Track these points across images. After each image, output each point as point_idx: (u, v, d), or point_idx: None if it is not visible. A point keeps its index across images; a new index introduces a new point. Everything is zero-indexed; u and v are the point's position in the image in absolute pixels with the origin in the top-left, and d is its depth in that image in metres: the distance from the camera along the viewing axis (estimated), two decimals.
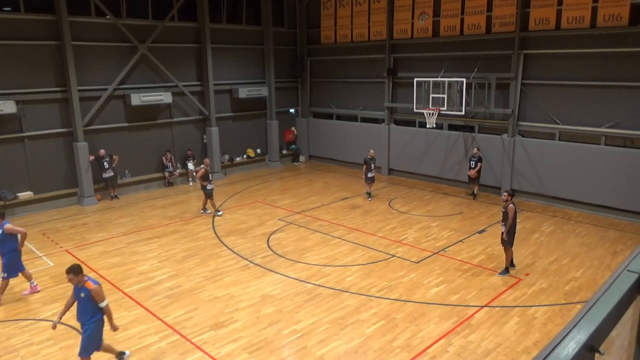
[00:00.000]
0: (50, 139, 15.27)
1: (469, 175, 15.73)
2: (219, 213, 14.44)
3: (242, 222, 13.71)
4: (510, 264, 10.22)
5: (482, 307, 8.75)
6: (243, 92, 19.42)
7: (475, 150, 15.64)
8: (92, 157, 15.57)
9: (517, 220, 13.45)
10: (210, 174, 14.45)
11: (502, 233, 9.87)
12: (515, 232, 9.91)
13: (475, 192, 15.90)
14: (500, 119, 15.84)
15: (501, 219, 10.03)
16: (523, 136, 15.45)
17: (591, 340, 1.50)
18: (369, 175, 15.60)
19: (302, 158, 22.36)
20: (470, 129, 16.76)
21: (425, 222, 13.59)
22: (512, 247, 10.01)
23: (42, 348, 7.61)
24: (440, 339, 7.75)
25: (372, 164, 15.55)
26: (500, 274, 10.02)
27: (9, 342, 7.79)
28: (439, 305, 8.83)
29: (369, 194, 15.96)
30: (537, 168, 15.13)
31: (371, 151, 15.89)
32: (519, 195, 15.69)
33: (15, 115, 14.22)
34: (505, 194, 9.91)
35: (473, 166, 15.46)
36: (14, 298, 9.33)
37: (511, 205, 9.71)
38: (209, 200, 14.51)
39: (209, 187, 14.33)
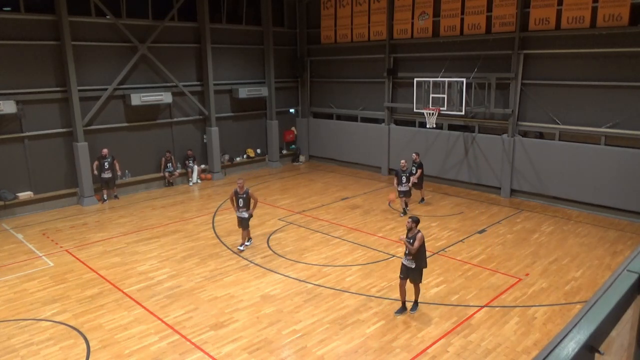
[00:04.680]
0: (50, 139, 15.26)
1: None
2: (246, 244, 11.73)
3: None
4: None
5: (482, 307, 8.75)
6: (243, 92, 19.42)
7: (415, 155, 14.73)
8: (96, 163, 15.55)
9: (517, 220, 13.61)
10: (240, 199, 11.29)
11: (407, 266, 8.37)
12: (425, 267, 8.48)
13: (423, 198, 15.20)
14: (500, 119, 15.84)
15: (407, 251, 8.34)
16: (523, 136, 15.45)
17: (591, 340, 1.50)
18: (401, 188, 13.88)
19: (302, 158, 22.36)
20: (471, 129, 16.76)
21: (425, 222, 13.57)
22: (421, 282, 8.59)
23: (42, 348, 7.61)
24: (440, 339, 7.75)
25: (404, 177, 13.83)
26: (412, 310, 8.58)
27: (9, 342, 7.79)
28: (439, 305, 8.83)
29: (404, 210, 14.18)
30: (537, 168, 15.13)
31: (402, 162, 14.14)
32: (519, 195, 15.71)
33: (15, 115, 14.21)
34: (410, 220, 8.42)
35: (414, 172, 14.31)
36: (14, 298, 9.33)
37: (420, 234, 8.27)
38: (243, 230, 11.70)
39: (240, 214, 11.42)
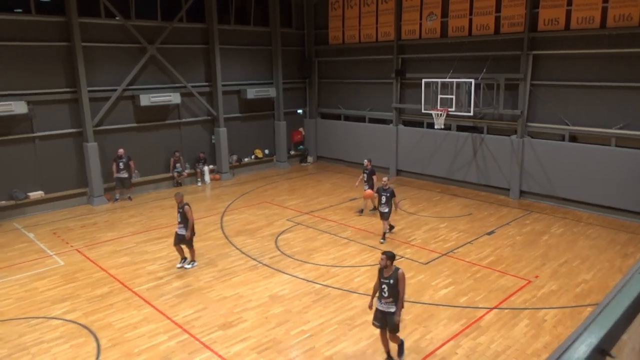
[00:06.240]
0: (60, 139, 15.40)
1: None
2: (186, 266, 10.64)
3: (251, 223, 13.75)
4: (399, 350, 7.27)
5: (491, 309, 8.71)
6: (251, 93, 19.48)
7: (366, 162, 14.08)
8: (114, 164, 15.83)
9: (526, 222, 13.52)
10: (178, 214, 10.41)
11: (383, 311, 6.89)
12: (402, 308, 6.96)
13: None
14: (509, 120, 15.75)
15: (386, 293, 6.85)
16: (532, 137, 15.36)
17: (602, 343, 1.50)
18: (381, 209, 11.92)
19: (310, 159, 22.38)
20: (479, 130, 16.68)
21: (433, 223, 13.54)
22: (399, 330, 7.05)
23: (53, 346, 7.69)
24: (448, 340, 7.73)
25: (384, 197, 11.71)
26: (399, 356, 7.21)
27: (20, 340, 7.87)
28: (447, 307, 8.81)
29: (383, 235, 12.15)
30: (546, 169, 15.02)
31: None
32: (529, 196, 15.61)
33: (27, 115, 14.35)
34: (384, 257, 6.87)
35: (366, 179, 13.78)
36: (25, 296, 9.43)
37: (400, 271, 6.83)
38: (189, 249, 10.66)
39: (178, 230, 10.47)
